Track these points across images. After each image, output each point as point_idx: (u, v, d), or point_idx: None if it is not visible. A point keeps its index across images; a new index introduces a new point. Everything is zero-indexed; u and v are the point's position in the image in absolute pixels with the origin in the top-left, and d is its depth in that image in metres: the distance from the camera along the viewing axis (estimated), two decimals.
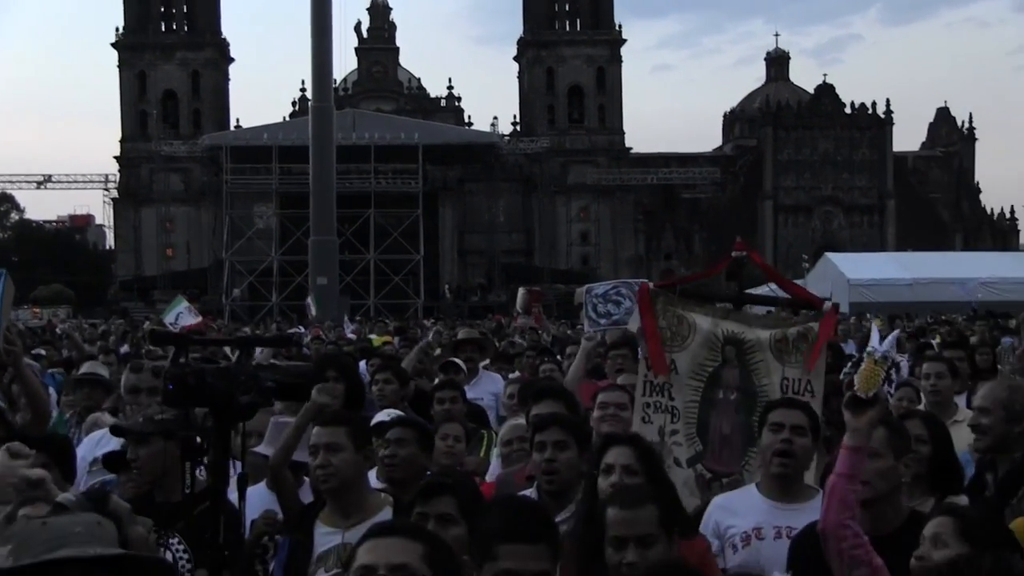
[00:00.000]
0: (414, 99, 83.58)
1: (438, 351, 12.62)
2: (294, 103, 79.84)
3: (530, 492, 4.77)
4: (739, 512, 4.69)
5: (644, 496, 3.74)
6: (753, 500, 4.73)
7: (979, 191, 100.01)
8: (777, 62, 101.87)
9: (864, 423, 3.68)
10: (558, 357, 11.03)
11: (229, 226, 67.34)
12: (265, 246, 66.37)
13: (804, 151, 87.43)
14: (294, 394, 4.20)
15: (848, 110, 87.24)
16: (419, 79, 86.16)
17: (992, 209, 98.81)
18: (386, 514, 4.55)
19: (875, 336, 4.40)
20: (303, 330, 24.12)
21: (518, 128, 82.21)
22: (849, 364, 7.77)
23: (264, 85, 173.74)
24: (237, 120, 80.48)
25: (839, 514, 3.61)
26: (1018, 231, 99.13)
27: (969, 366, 9.08)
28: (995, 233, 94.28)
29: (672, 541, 3.67)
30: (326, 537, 4.61)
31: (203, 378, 3.60)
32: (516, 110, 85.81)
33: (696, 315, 5.57)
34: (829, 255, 51.49)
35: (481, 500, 4.03)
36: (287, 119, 75.73)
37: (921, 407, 6.84)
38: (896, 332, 5.78)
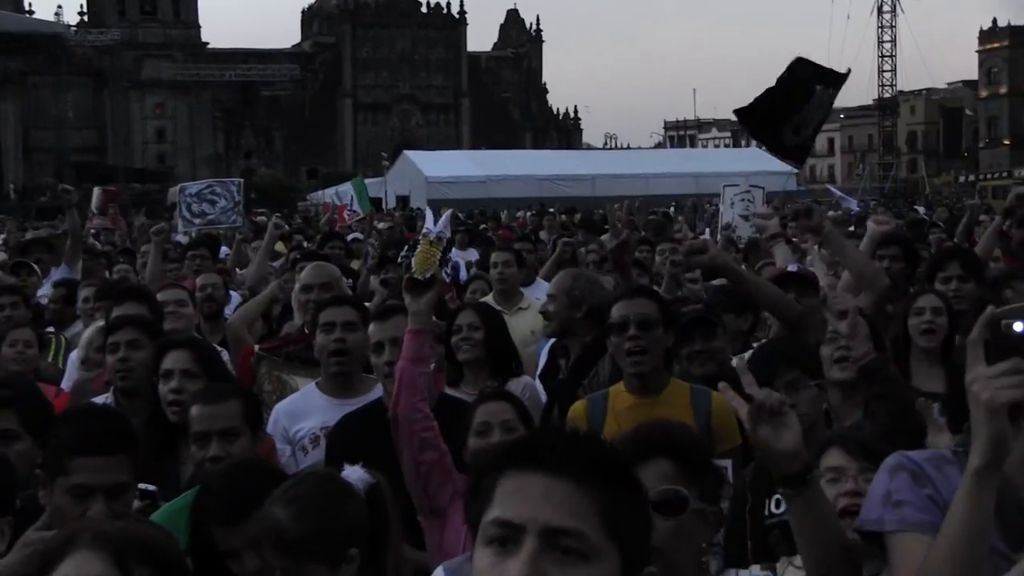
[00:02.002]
0: None
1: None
2: None
3: (106, 398, 4.63)
4: (303, 414, 4.75)
5: (227, 393, 3.75)
6: (314, 400, 4.80)
7: (546, 91, 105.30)
8: None
9: (423, 305, 3.69)
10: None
11: None
12: None
13: (382, 50, 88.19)
14: None
15: (424, 9, 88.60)
16: None
17: (558, 109, 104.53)
18: None
19: (429, 218, 4.50)
20: None
21: (85, 18, 77.14)
22: (405, 248, 7.98)
23: None
24: None
25: (409, 397, 3.67)
26: (581, 130, 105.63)
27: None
28: (561, 132, 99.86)
29: (257, 438, 3.71)
30: None
31: None
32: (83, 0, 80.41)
33: (299, 379, 5.25)
34: (407, 153, 52.68)
35: (48, 411, 3.83)
36: None
37: (489, 297, 7.22)
38: (448, 212, 5.96)
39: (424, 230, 4.02)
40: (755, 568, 3.08)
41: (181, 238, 12.85)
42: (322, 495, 2.82)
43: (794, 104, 7.58)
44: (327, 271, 6.19)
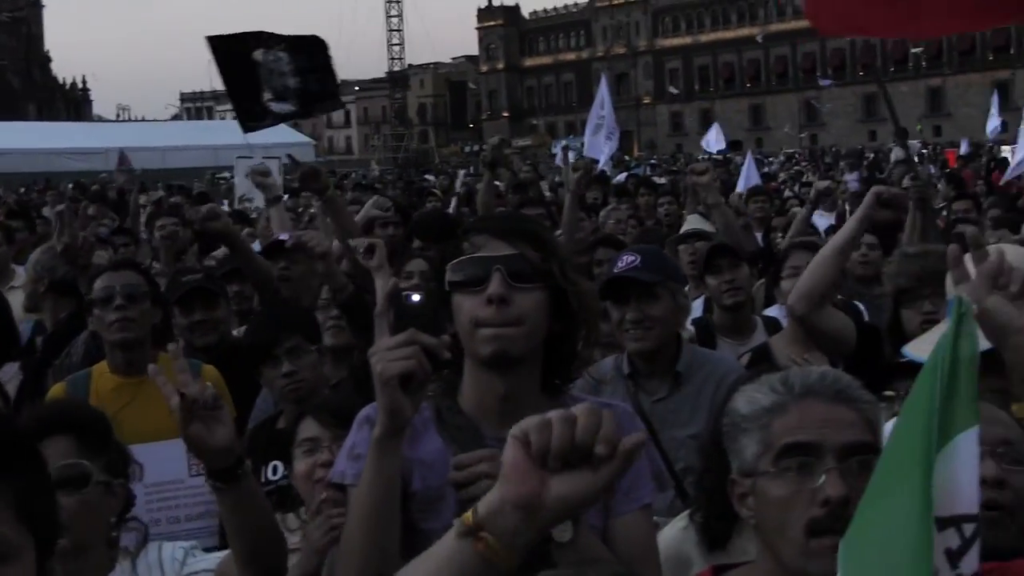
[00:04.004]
0: None
1: None
2: None
3: None
4: None
5: None
6: None
7: (50, 59, 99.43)
8: None
9: None
10: None
11: None
12: None
13: None
14: None
15: None
16: None
17: (64, 79, 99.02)
18: None
19: None
20: None
21: None
22: None
23: None
24: None
25: None
26: (91, 101, 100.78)
27: None
28: (68, 103, 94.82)
29: None
30: None
31: None
32: None
33: None
34: None
35: None
36: None
37: None
38: None
39: None
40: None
41: None
42: None
43: (247, 77, 7.86)
44: None
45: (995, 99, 23.66)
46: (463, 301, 2.30)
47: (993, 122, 23.10)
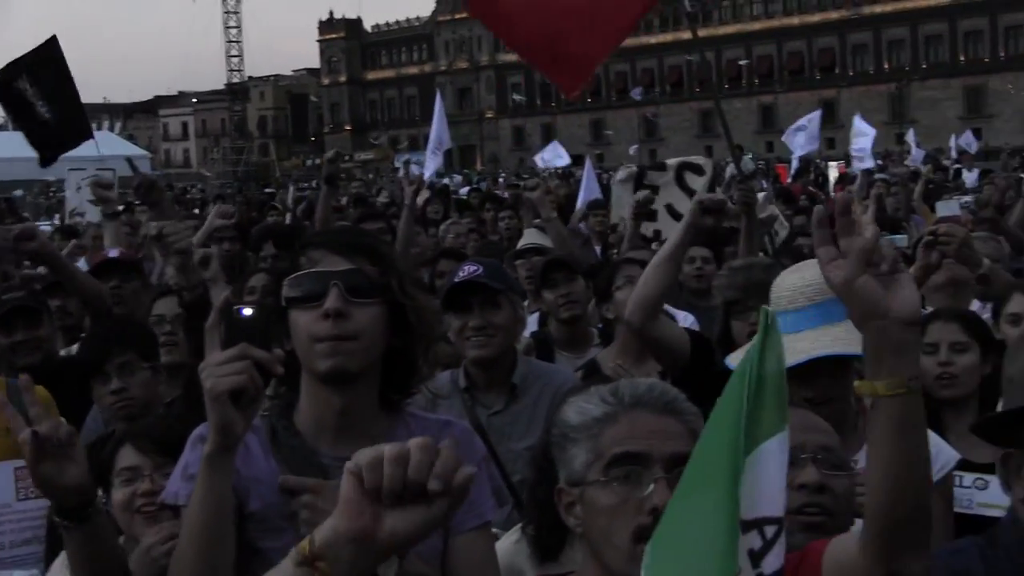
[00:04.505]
0: None
1: None
2: None
3: None
4: None
5: None
6: None
7: None
8: None
9: None
10: None
11: None
12: None
13: None
14: None
15: None
16: None
17: None
18: None
19: None
20: None
21: None
22: None
23: None
24: None
25: None
26: None
27: None
28: None
29: None
30: None
31: None
32: None
33: None
34: None
35: None
36: None
37: None
38: None
39: None
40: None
41: None
42: None
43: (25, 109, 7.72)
44: None
45: (814, 117, 23.93)
46: (300, 317, 2.29)
47: (799, 139, 22.83)
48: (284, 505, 2.27)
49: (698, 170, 8.30)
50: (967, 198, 12.23)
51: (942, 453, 3.28)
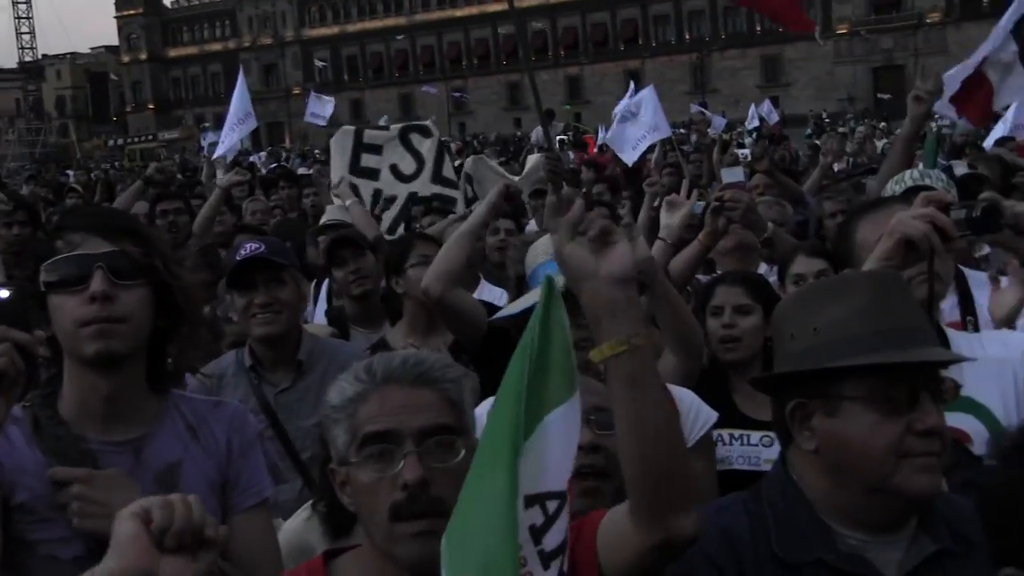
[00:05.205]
0: None
1: None
2: None
3: None
4: None
5: None
6: None
7: None
8: None
9: None
10: None
11: None
12: None
13: None
14: None
15: None
16: None
17: None
18: None
19: None
20: None
21: None
22: None
23: None
24: None
25: None
26: None
27: None
28: None
29: None
30: None
31: None
32: None
33: None
34: None
35: None
36: None
37: None
38: None
39: None
40: None
41: None
42: None
43: None
44: None
45: (632, 87, 24.40)
46: (63, 302, 2.24)
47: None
48: (52, 496, 2.22)
49: (425, 131, 8.46)
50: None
51: (702, 412, 3.39)
